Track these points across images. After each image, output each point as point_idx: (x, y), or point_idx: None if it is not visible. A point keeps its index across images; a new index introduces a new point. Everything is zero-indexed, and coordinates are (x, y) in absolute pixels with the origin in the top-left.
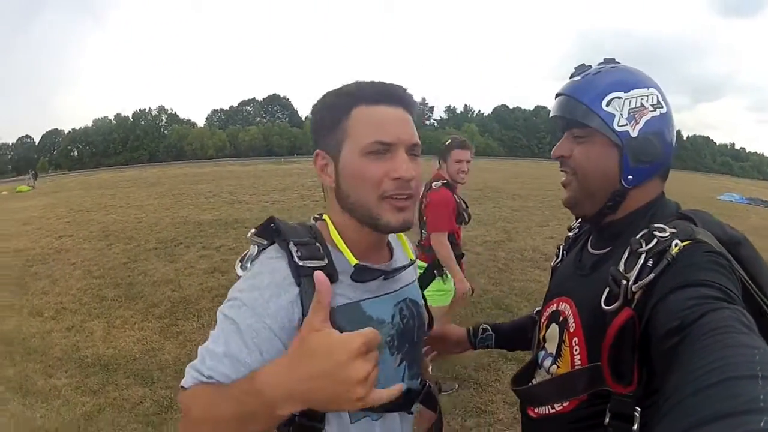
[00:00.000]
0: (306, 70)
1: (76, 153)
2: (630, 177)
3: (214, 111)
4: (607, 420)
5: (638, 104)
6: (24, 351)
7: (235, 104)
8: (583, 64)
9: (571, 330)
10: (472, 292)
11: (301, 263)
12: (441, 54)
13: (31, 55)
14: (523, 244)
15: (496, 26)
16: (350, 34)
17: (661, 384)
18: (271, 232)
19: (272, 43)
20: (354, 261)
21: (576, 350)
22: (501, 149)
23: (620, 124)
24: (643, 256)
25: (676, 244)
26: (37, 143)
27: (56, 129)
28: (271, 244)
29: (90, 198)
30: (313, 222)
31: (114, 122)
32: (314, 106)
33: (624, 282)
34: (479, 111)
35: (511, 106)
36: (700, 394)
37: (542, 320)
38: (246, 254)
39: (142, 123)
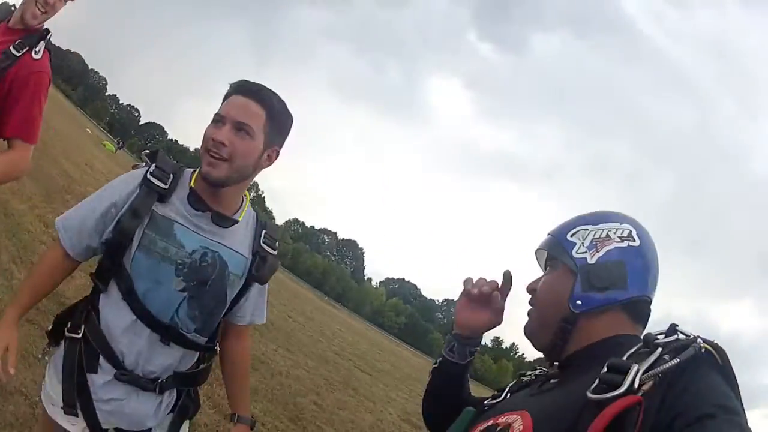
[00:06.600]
0: None
1: None
2: (578, 302)
3: None
4: None
5: (603, 235)
6: None
7: None
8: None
9: None
10: None
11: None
12: None
13: (214, 61)
14: None
15: None
16: None
17: None
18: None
19: None
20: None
21: None
22: None
23: (579, 251)
24: (659, 349)
25: (704, 342)
26: None
27: None
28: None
29: None
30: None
31: None
32: None
33: (634, 368)
34: None
35: None
36: None
37: None
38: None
39: None
